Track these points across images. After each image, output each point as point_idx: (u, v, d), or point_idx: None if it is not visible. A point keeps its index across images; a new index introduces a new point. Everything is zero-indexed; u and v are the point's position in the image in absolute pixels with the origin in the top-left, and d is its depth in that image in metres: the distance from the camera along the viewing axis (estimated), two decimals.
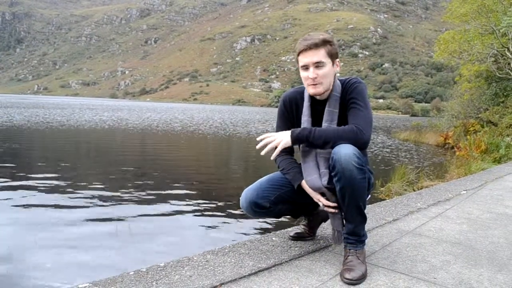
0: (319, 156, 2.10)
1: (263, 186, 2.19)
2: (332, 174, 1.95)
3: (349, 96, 2.08)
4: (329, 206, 2.08)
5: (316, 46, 2.01)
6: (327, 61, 2.04)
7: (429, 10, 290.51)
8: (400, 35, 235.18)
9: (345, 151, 1.88)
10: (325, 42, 2.03)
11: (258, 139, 2.08)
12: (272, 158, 2.14)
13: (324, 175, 2.06)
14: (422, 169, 8.16)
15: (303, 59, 2.05)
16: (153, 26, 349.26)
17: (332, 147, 1.96)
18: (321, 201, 2.09)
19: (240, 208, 2.23)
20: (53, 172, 7.82)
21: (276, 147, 2.03)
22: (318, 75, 2.03)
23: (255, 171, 9.91)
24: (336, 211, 2.09)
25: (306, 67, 2.05)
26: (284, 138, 2.03)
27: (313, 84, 2.06)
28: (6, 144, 11.86)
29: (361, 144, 1.96)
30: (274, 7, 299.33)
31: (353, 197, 1.94)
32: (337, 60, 2.10)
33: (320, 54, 2.02)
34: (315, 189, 2.09)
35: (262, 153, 2.05)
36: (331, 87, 2.11)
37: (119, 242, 4.17)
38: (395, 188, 6.68)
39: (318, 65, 2.03)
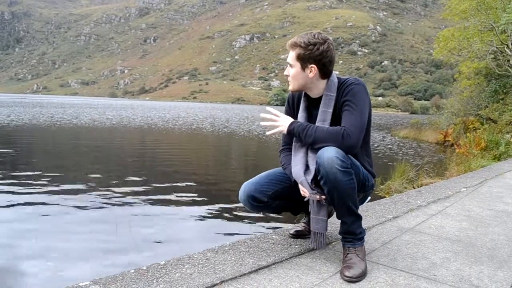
0: (310, 152, 2.10)
1: (261, 181, 2.21)
2: (318, 178, 1.96)
3: (344, 98, 2.08)
4: (316, 199, 2.05)
5: (288, 46, 2.13)
6: (295, 63, 2.11)
7: (428, 8, 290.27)
8: (399, 32, 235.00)
9: (328, 155, 1.89)
10: (295, 45, 2.10)
11: (262, 115, 2.18)
12: (267, 133, 2.21)
13: (310, 173, 2.05)
14: (421, 167, 8.16)
15: None
16: (152, 25, 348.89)
17: (319, 148, 1.97)
18: (302, 189, 2.07)
19: (240, 206, 2.24)
20: (55, 171, 7.83)
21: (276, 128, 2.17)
22: (288, 74, 2.15)
23: (255, 169, 9.91)
24: (322, 197, 2.03)
25: None
26: (283, 126, 2.13)
27: (288, 81, 2.19)
28: (13, 143, 11.86)
29: (347, 148, 1.95)
30: (273, 5, 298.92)
31: (341, 199, 1.95)
32: (312, 66, 2.08)
33: (290, 56, 2.13)
34: (296, 178, 2.09)
35: (265, 127, 2.19)
36: (320, 89, 2.14)
37: (119, 240, 4.17)
38: (395, 185, 6.68)
39: (290, 65, 2.14)
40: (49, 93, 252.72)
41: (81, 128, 19.30)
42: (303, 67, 2.09)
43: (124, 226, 4.56)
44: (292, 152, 2.19)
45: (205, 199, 6.15)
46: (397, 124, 38.88)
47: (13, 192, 5.94)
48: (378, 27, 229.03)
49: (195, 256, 2.11)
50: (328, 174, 1.88)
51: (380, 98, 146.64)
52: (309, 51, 2.05)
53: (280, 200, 2.23)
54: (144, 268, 1.94)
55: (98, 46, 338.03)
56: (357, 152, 2.11)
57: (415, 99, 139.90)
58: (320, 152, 1.93)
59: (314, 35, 2.07)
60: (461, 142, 12.87)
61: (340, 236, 2.13)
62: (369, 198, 2.34)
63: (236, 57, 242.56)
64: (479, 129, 14.36)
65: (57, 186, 6.51)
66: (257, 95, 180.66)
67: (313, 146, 2.05)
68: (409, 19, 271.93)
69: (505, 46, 15.09)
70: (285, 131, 2.12)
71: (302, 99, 2.23)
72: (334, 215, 2.18)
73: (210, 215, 5.27)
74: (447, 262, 2.22)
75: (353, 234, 2.05)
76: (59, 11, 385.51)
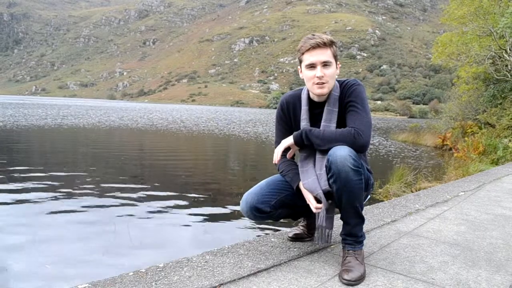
0: (317, 161, 2.09)
1: (263, 191, 2.18)
2: (328, 176, 1.94)
3: (347, 99, 2.07)
4: (317, 208, 2.04)
5: (324, 45, 2.02)
6: (333, 62, 2.05)
7: (427, 12, 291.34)
8: (398, 37, 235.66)
9: (341, 153, 1.88)
10: (332, 43, 2.04)
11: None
12: (274, 161, 2.15)
13: (322, 176, 2.03)
14: (420, 171, 8.18)
15: (310, 58, 2.03)
16: (151, 27, 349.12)
17: (329, 149, 1.95)
18: (311, 202, 2.05)
19: (239, 209, 2.22)
20: (55, 172, 7.81)
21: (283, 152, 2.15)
22: (325, 75, 2.03)
23: (254, 172, 9.91)
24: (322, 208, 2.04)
25: (312, 66, 2.04)
26: (286, 141, 2.11)
27: (320, 84, 2.05)
28: (19, 144, 11.85)
29: (359, 147, 1.95)
30: (272, 8, 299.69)
31: (349, 198, 1.94)
32: (339, 63, 2.12)
33: (327, 54, 2.02)
34: (312, 191, 2.05)
35: (274, 162, 2.16)
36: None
37: (118, 242, 4.17)
38: (394, 189, 6.69)
39: (325, 64, 2.03)
40: (48, 94, 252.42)
41: (85, 130, 19.27)
42: (336, 65, 2.08)
43: (123, 229, 4.56)
44: (299, 164, 2.17)
45: (204, 201, 6.14)
46: (395, 128, 38.93)
47: (11, 194, 5.93)
48: (377, 31, 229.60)
49: (194, 259, 2.11)
50: (340, 173, 1.87)
51: (379, 102, 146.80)
52: (337, 48, 2.07)
53: (283, 209, 2.22)
54: (143, 270, 1.94)
55: (97, 48, 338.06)
56: None
57: (413, 103, 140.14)
58: (333, 150, 1.92)
59: (325, 34, 2.10)
60: (459, 146, 12.92)
61: (339, 239, 2.13)
62: (369, 197, 2.35)
63: (235, 60, 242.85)
64: (477, 133, 14.40)
65: (57, 187, 6.50)
66: (256, 98, 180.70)
67: (322, 147, 2.01)
68: (408, 23, 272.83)
69: (504, 51, 15.14)
70: (291, 140, 2.09)
71: (304, 104, 2.20)
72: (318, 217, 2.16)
73: (209, 218, 5.27)
74: (445, 265, 2.23)
75: (354, 236, 2.05)
76: (58, 13, 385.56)
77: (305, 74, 2.08)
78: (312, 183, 2.05)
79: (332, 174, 1.90)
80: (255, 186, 2.23)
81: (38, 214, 5.05)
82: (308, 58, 2.04)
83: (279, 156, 2.12)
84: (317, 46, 2.01)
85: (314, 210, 2.05)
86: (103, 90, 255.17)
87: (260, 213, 2.16)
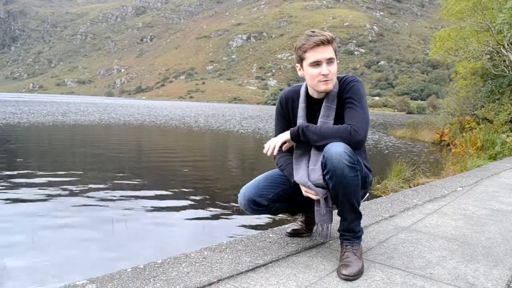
0: (312, 156, 2.09)
1: (261, 184, 2.19)
2: (324, 172, 1.94)
3: (345, 95, 2.07)
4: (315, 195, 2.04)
5: (328, 42, 1.99)
6: (335, 58, 2.04)
7: (425, 8, 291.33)
8: (396, 32, 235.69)
9: (336, 150, 1.87)
10: (333, 39, 2.02)
11: (264, 145, 2.14)
12: (270, 154, 2.12)
13: (316, 171, 2.03)
14: (418, 166, 8.18)
15: (315, 55, 2.00)
16: (148, 24, 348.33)
17: (325, 145, 1.95)
18: (309, 192, 2.05)
19: (237, 205, 2.22)
20: (53, 169, 7.80)
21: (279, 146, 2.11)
22: (330, 72, 2.01)
23: (252, 168, 9.91)
24: (320, 197, 2.03)
25: (317, 64, 2.01)
26: (283, 136, 2.10)
27: (325, 81, 2.03)
28: (18, 141, 11.82)
29: (355, 144, 1.94)
30: (270, 4, 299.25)
31: (345, 194, 1.93)
32: (337, 59, 2.11)
33: (330, 50, 2.00)
34: (303, 184, 2.07)
35: (268, 153, 2.10)
36: None
37: (116, 239, 4.16)
38: (391, 185, 6.70)
39: (330, 61, 2.01)
40: (45, 92, 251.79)
41: (85, 127, 19.24)
42: (336, 62, 2.07)
43: (121, 225, 4.55)
44: (294, 161, 2.16)
45: (202, 198, 6.14)
46: (394, 123, 38.97)
47: (9, 191, 5.92)
48: (375, 27, 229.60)
49: (192, 255, 2.11)
50: (336, 169, 1.87)
51: (376, 98, 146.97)
52: (336, 44, 2.05)
53: (280, 203, 2.22)
54: (141, 266, 1.93)
55: (94, 45, 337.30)
56: None
57: (411, 99, 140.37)
58: (328, 146, 1.91)
59: (323, 30, 2.08)
60: (457, 142, 12.92)
61: (337, 235, 2.13)
62: (367, 195, 2.34)
63: (233, 56, 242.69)
64: (475, 129, 14.41)
65: (54, 184, 6.48)
66: (254, 95, 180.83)
67: (318, 143, 2.01)
68: (406, 19, 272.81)
69: (501, 46, 15.13)
70: (288, 136, 2.09)
71: (301, 101, 2.19)
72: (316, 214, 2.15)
73: (207, 214, 5.26)
74: (443, 260, 2.23)
75: (352, 232, 2.05)
76: (55, 10, 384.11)
77: (309, 72, 2.04)
78: (302, 177, 2.07)
79: (328, 170, 1.90)
80: (253, 180, 2.24)
81: (36, 211, 5.04)
82: (312, 56, 2.00)
83: (276, 150, 2.10)
84: (321, 43, 1.98)
85: (314, 198, 2.05)
86: (101, 87, 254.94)
87: (258, 206, 2.17)
